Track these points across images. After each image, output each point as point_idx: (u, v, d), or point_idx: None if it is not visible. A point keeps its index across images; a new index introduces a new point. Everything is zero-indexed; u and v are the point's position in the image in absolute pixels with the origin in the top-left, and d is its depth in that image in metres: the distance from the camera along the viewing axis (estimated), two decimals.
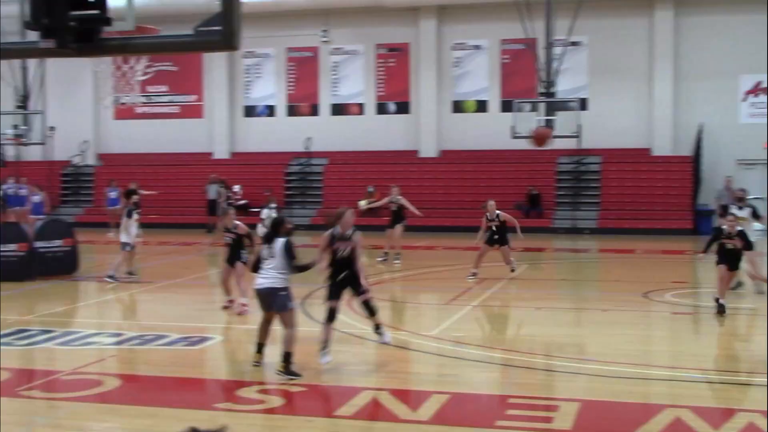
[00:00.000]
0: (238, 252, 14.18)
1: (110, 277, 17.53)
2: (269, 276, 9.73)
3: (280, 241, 9.81)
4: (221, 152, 34.97)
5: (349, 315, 13.78)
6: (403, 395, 9.07)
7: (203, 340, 12.03)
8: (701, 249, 14.40)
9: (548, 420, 8.22)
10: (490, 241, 18.05)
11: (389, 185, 31.13)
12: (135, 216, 17.98)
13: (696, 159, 29.97)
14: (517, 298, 15.87)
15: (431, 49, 32.84)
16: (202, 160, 34.50)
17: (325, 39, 33.28)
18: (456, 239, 26.45)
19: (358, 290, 10.43)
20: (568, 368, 10.29)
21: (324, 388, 9.69)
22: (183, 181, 32.86)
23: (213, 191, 30.47)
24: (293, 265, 9.78)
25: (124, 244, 17.81)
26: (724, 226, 13.71)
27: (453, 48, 32.98)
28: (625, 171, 30.54)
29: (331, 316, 10.29)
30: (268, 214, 20.46)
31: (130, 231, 17.76)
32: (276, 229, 10.03)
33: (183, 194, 32.09)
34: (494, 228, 17.98)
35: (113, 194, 29.33)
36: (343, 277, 10.30)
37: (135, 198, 20.01)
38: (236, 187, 32.45)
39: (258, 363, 10.07)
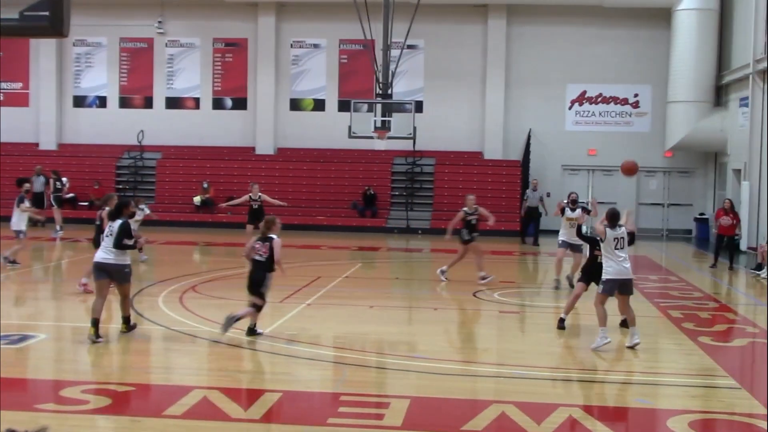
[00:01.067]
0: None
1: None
2: (109, 252, 11.42)
3: (118, 222, 11.43)
4: (48, 143, 33.58)
5: (180, 312, 13.54)
6: (234, 394, 8.97)
7: (25, 338, 11.51)
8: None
9: (379, 417, 8.33)
10: (468, 239, 17.80)
11: (225, 181, 30.96)
12: (25, 204, 18.66)
13: (524, 163, 31.08)
14: (350, 296, 16.00)
15: (269, 46, 32.66)
16: (26, 150, 33.02)
17: (160, 30, 32.56)
18: (290, 237, 26.40)
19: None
20: (399, 366, 10.46)
21: (153, 387, 9.47)
22: (6, 172, 31.32)
23: (39, 183, 29.22)
24: (123, 243, 11.34)
25: (18, 232, 18.45)
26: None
27: (292, 46, 32.93)
28: (457, 173, 31.31)
29: None
30: (141, 212, 19.57)
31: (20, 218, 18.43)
32: (119, 210, 11.66)
33: (5, 185, 30.57)
34: (473, 222, 17.78)
35: None
36: None
37: (26, 186, 20.53)
38: (63, 180, 31.24)
39: (97, 338, 11.14)
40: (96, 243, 13.91)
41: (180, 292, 15.57)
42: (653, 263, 23.07)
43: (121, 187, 32.09)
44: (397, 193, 31.55)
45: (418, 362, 10.60)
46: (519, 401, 8.76)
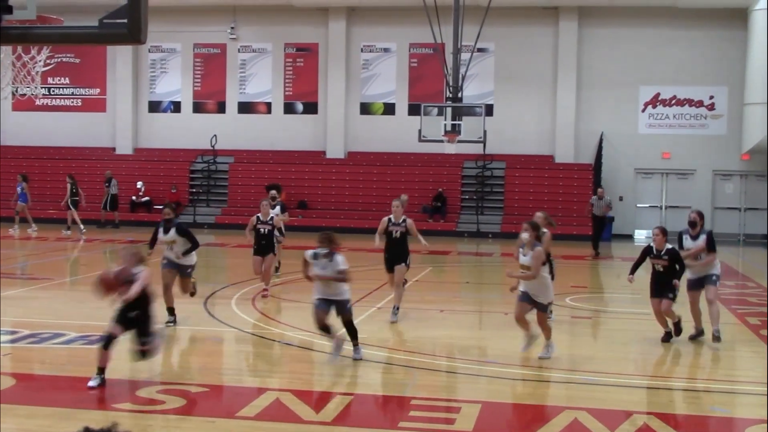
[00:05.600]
0: (271, 243, 15.38)
1: None
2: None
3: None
4: (124, 148, 34.27)
5: (252, 315, 13.69)
6: (306, 396, 9.04)
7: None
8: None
9: (450, 422, 8.31)
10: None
11: (296, 185, 31.21)
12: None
13: (596, 167, 30.71)
14: (420, 300, 15.99)
15: (340, 50, 32.84)
16: (104, 155, 33.77)
17: (232, 36, 33.00)
18: (361, 241, 26.49)
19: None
20: (470, 370, 10.42)
21: (226, 388, 9.59)
22: (84, 176, 32.04)
23: (113, 187, 29.98)
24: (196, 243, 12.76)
25: None
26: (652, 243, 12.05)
27: (362, 50, 33.06)
28: (528, 177, 31.09)
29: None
30: (277, 212, 17.76)
31: None
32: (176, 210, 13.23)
33: (86, 189, 31.30)
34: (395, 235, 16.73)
35: (20, 188, 28.42)
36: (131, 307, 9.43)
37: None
38: (139, 184, 31.89)
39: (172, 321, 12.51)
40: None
41: (252, 295, 15.73)
42: (730, 269, 22.58)
43: (194, 191, 32.62)
44: (467, 196, 31.44)
45: (489, 367, 10.55)
46: (592, 408, 8.66)
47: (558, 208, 30.02)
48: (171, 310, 12.69)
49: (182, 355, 11.50)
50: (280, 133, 33.29)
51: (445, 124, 25.48)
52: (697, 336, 12.29)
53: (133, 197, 31.91)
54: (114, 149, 34.34)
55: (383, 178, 31.45)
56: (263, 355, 11.41)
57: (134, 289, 9.21)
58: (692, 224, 12.19)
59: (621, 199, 30.54)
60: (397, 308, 13.56)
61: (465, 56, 25.88)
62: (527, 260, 10.72)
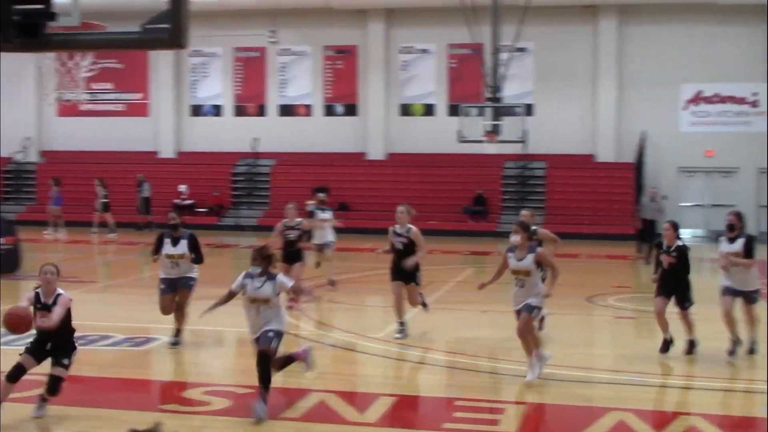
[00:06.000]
0: (299, 250, 14.31)
1: None
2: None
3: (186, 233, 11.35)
4: (167, 151, 34.61)
5: (297, 317, 13.73)
6: (350, 397, 9.06)
7: (148, 340, 11.89)
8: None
9: (494, 423, 8.29)
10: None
11: (336, 187, 31.29)
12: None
13: (638, 166, 30.44)
14: (462, 301, 15.95)
15: (379, 52, 32.88)
16: (147, 158, 34.11)
17: (272, 39, 33.13)
18: None
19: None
20: (513, 371, 10.37)
21: (271, 389, 9.63)
22: (129, 180, 32.41)
23: (146, 190, 30.42)
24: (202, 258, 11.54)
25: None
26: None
27: (401, 51, 33.06)
28: (569, 176, 30.89)
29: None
30: (322, 215, 17.36)
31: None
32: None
33: (129, 193, 31.65)
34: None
35: (55, 192, 28.95)
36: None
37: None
38: (182, 187, 32.16)
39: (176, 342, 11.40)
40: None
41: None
42: None
43: (236, 193, 32.85)
44: (507, 197, 31.32)
45: None
46: (637, 409, 8.59)
47: (599, 207, 29.84)
48: (178, 331, 11.54)
49: (227, 357, 11.59)
50: (320, 135, 33.40)
51: (484, 125, 25.43)
52: (735, 349, 11.11)
53: (176, 201, 32.16)
54: (157, 153, 34.67)
55: (423, 179, 31.42)
56: None
57: (54, 318, 8.04)
58: (730, 227, 11.12)
59: (664, 198, 30.21)
60: (403, 324, 12.17)
61: (504, 56, 25.78)
62: (524, 265, 9.73)
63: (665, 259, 11.08)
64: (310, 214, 17.34)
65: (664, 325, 11.18)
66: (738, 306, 11.18)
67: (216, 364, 11.04)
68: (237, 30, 33.52)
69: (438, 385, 10.04)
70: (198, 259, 11.43)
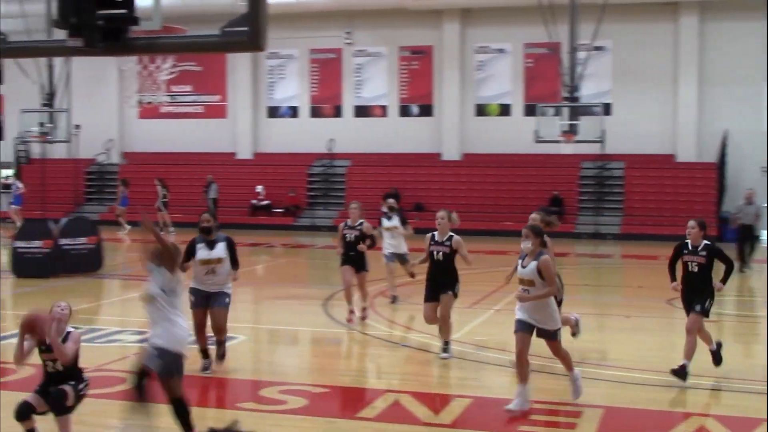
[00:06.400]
0: (361, 255, 13.04)
1: None
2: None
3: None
4: (244, 152, 35.08)
5: (372, 317, 13.77)
6: (425, 398, 9.05)
7: (227, 338, 12.04)
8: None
9: (571, 426, 8.19)
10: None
11: (412, 188, 31.33)
12: None
13: (720, 165, 29.77)
14: None
15: (454, 52, 32.80)
16: (225, 160, 34.63)
17: (348, 41, 33.35)
18: (477, 242, 26.37)
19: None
20: (590, 374, 10.23)
21: (346, 389, 9.68)
22: (206, 181, 32.96)
23: (213, 191, 30.89)
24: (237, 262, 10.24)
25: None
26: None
27: (476, 51, 32.93)
28: (648, 177, 30.38)
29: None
30: (388, 224, 15.45)
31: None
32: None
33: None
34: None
35: (122, 193, 29.79)
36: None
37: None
38: (259, 188, 32.55)
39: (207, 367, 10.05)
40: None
41: (371, 297, 15.84)
42: None
43: (312, 194, 33.11)
44: (585, 197, 30.95)
45: (610, 371, 10.35)
46: (720, 414, 8.41)
47: (680, 209, 29.24)
48: (205, 352, 10.31)
49: (303, 356, 11.68)
50: (395, 135, 33.46)
51: (561, 124, 25.16)
52: None
53: (253, 201, 32.59)
54: (234, 154, 35.15)
55: (499, 179, 31.25)
56: (382, 356, 11.48)
57: (69, 353, 7.34)
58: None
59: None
60: (448, 343, 10.94)
61: (581, 55, 25.46)
62: (525, 273, 8.69)
63: (694, 261, 9.87)
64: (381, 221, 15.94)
65: (707, 338, 10.18)
66: None
67: (292, 363, 11.13)
68: (313, 32, 33.79)
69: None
70: (235, 264, 10.22)
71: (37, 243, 18.04)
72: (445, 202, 31.34)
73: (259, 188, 32.54)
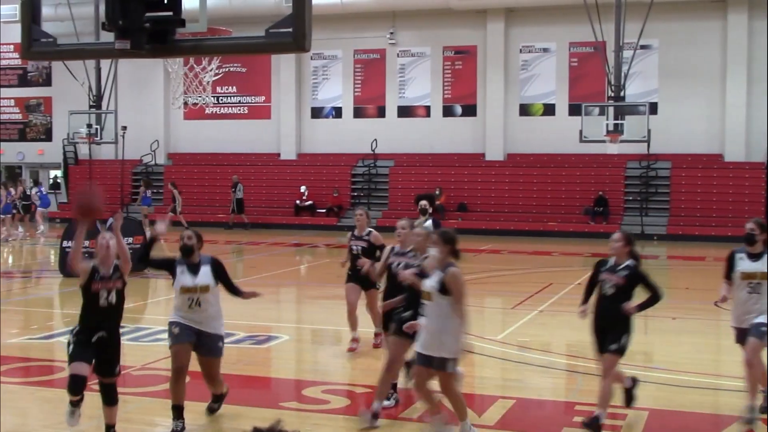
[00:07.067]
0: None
1: None
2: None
3: None
4: (288, 153, 35.25)
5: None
6: (468, 399, 9.01)
7: (270, 338, 12.12)
8: None
9: (616, 428, 8.12)
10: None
11: (455, 188, 31.27)
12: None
13: None
14: None
15: (498, 52, 32.67)
16: (269, 160, 34.83)
17: (392, 41, 33.38)
18: (521, 243, 26.28)
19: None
20: (636, 376, 10.13)
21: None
22: (252, 181, 33.19)
23: (240, 191, 31.19)
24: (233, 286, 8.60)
25: None
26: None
27: (521, 51, 32.77)
28: (695, 177, 30.00)
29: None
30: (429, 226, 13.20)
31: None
32: None
33: (251, 194, 32.38)
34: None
35: (148, 192, 30.19)
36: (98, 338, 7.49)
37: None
38: (302, 188, 32.71)
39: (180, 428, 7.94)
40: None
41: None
42: None
43: (355, 194, 33.18)
44: (630, 198, 30.65)
45: (656, 373, 10.24)
46: None
47: (727, 209, 28.88)
48: (179, 410, 7.92)
49: (346, 356, 11.68)
50: (439, 136, 33.41)
51: (607, 124, 24.99)
52: None
53: (297, 201, 32.75)
54: (279, 155, 35.35)
55: (543, 179, 31.06)
56: None
57: (122, 243, 7.63)
58: (748, 239, 8.79)
59: None
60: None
61: (627, 54, 25.24)
62: (430, 285, 7.52)
63: (611, 282, 8.22)
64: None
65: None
66: None
67: (335, 363, 11.16)
68: (357, 32, 33.87)
69: (557, 388, 9.89)
70: (233, 289, 8.37)
71: (84, 243, 18.26)
72: (488, 203, 31.35)
73: (303, 189, 32.69)
